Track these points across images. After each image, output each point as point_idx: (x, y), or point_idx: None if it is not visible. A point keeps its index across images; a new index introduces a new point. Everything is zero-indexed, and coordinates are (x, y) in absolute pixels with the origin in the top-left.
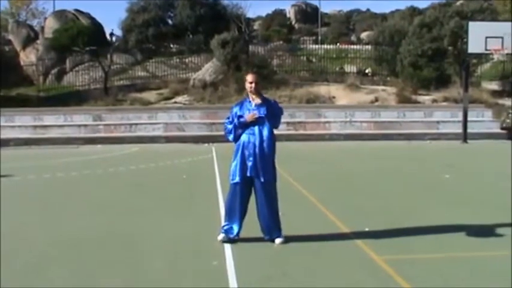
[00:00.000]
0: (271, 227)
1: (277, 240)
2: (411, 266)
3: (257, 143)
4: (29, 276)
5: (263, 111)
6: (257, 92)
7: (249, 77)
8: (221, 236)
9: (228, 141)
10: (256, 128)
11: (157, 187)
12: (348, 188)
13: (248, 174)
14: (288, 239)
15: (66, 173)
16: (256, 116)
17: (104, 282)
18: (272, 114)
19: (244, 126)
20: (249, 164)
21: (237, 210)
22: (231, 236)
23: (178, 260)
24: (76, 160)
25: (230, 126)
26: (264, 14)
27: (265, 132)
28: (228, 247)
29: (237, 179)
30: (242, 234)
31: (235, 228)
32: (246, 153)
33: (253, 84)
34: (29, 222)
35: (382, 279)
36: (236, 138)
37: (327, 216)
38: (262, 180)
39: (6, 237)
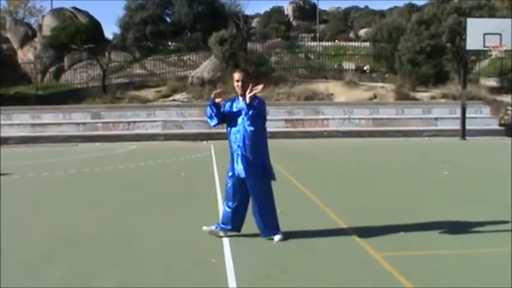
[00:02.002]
0: (263, 224)
1: (276, 237)
2: (410, 262)
3: (240, 142)
4: (27, 274)
5: (246, 110)
6: (244, 90)
7: (235, 75)
8: (205, 227)
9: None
10: (240, 127)
11: (156, 185)
12: (346, 184)
13: (235, 172)
14: (287, 236)
15: (64, 171)
16: (219, 91)
17: (101, 280)
18: (255, 115)
19: (214, 106)
20: (234, 161)
21: (231, 204)
22: (227, 228)
23: (176, 257)
24: (75, 158)
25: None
26: (262, 11)
27: (249, 131)
28: (226, 244)
29: (230, 174)
30: (241, 231)
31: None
32: (233, 152)
33: (239, 83)
34: (28, 220)
35: (381, 276)
36: (214, 119)
37: (325, 213)
38: (243, 177)
39: (5, 235)
